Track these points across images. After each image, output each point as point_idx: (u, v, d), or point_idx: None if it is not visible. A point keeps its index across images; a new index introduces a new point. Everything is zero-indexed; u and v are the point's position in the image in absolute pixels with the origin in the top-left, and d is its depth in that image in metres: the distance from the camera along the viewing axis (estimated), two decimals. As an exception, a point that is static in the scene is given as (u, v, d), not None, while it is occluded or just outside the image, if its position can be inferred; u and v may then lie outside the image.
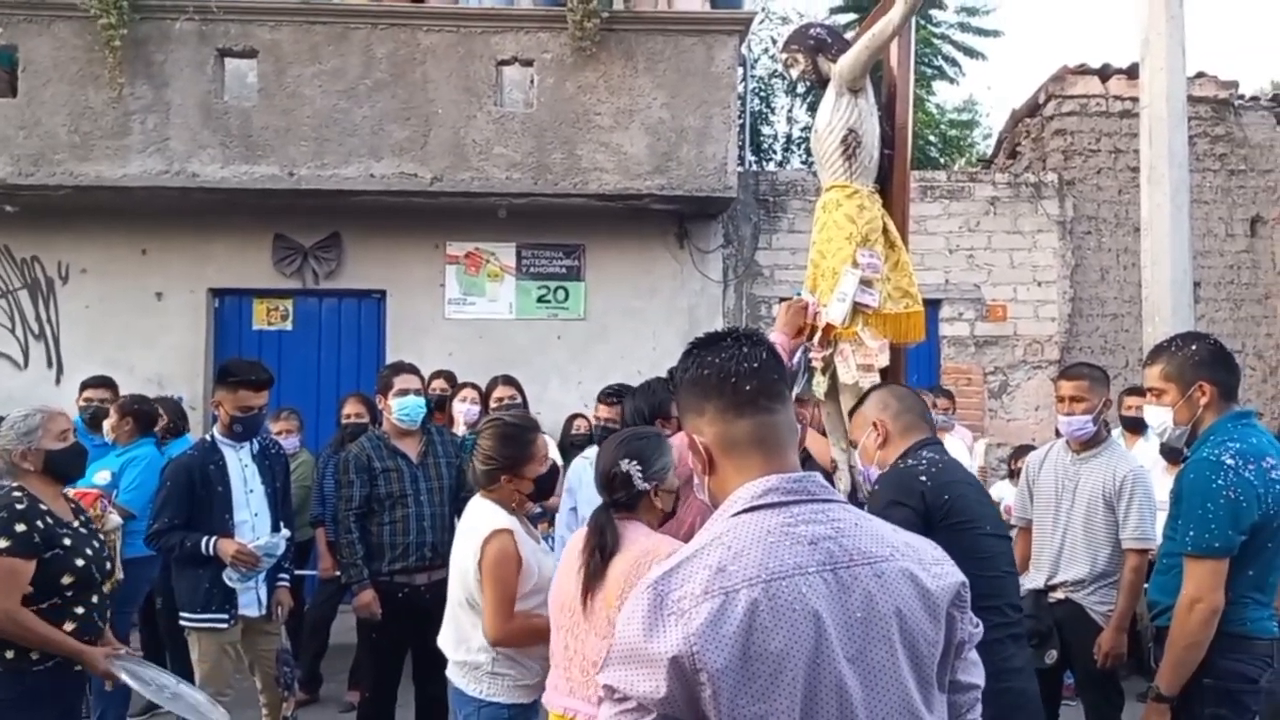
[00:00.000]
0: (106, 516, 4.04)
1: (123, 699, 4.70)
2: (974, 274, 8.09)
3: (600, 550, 2.55)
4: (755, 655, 1.31)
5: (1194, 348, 2.90)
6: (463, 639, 3.09)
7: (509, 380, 5.78)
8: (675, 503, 2.78)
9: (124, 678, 3.21)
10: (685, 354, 1.60)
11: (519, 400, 5.67)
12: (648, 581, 1.39)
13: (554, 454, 5.31)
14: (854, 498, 3.23)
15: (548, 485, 3.24)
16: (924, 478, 2.57)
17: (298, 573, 5.44)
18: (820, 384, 3.35)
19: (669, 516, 2.80)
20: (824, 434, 3.62)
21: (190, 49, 6.85)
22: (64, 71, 6.78)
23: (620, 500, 2.63)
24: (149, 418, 5.23)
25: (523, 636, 2.98)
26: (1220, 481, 2.64)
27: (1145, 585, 3.39)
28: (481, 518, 3.08)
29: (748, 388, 1.50)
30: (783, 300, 7.45)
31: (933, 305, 7.80)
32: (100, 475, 4.83)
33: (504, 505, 3.10)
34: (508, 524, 3.03)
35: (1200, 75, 8.25)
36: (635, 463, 2.67)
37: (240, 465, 4.19)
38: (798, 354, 3.27)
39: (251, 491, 4.20)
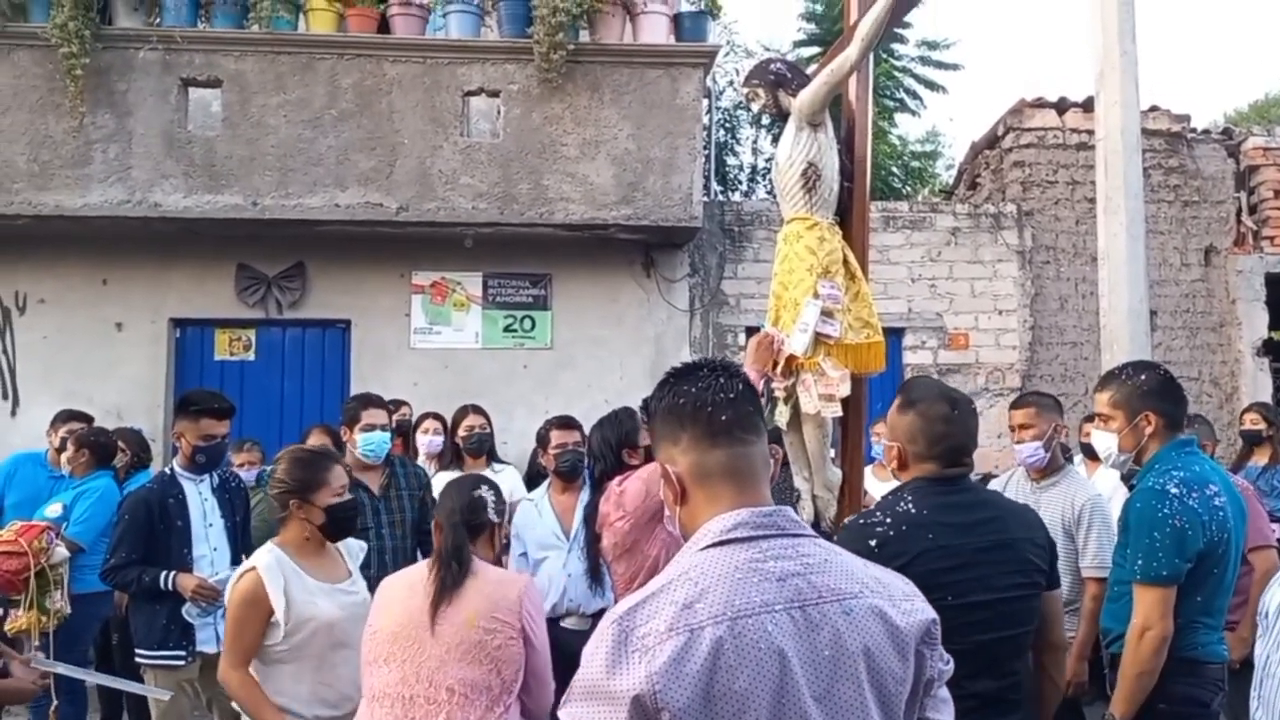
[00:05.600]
0: (52, 549, 3.95)
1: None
2: (936, 303, 8.19)
3: (458, 562, 2.66)
4: (719, 695, 1.30)
5: (1143, 377, 2.95)
6: None
7: (478, 410, 5.74)
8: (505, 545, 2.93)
9: (59, 670, 3.15)
10: (661, 383, 1.61)
11: (488, 430, 5.64)
12: (613, 616, 1.38)
13: (519, 486, 5.32)
14: (817, 527, 3.24)
15: (340, 517, 3.08)
16: (874, 542, 2.27)
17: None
18: (783, 414, 3.37)
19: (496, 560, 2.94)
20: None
21: (154, 79, 6.81)
22: (24, 100, 6.71)
23: (471, 522, 2.78)
24: (107, 450, 5.15)
25: (241, 692, 2.89)
26: (1166, 510, 2.68)
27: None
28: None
29: (723, 418, 1.50)
30: (749, 329, 7.51)
31: (896, 334, 7.88)
32: (52, 508, 4.77)
33: (284, 548, 3.01)
34: (256, 562, 2.94)
35: (1154, 109, 8.44)
36: (493, 494, 2.87)
37: (200, 499, 4.14)
38: (761, 385, 3.29)
39: (211, 525, 4.14)
